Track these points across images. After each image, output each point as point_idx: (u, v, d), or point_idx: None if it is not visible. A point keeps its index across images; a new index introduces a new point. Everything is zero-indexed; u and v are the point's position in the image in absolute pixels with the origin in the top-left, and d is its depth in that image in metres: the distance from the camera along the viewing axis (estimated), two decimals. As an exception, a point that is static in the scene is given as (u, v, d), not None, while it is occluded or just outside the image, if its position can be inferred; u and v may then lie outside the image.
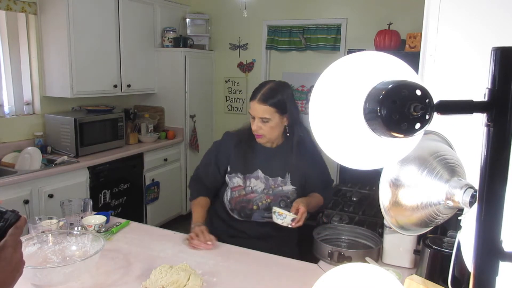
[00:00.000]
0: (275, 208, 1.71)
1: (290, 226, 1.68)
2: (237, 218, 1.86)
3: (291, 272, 1.55)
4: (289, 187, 1.83)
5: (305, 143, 1.83)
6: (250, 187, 1.82)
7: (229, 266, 1.57)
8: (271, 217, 1.72)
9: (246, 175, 1.84)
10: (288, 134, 1.82)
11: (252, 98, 1.77)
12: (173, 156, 4.34)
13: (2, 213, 0.82)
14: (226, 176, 1.87)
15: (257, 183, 1.83)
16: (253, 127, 1.77)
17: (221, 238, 1.78)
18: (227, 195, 1.86)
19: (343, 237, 1.85)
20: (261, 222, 1.84)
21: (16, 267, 0.81)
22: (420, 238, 1.46)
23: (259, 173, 1.83)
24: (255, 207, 1.83)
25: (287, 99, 1.78)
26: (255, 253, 1.72)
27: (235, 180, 1.84)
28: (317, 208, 1.90)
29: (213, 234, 1.74)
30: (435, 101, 0.48)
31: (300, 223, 1.68)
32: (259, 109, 1.74)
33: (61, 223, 1.75)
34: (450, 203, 0.63)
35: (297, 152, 1.83)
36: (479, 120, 0.50)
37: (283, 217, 1.68)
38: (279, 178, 1.83)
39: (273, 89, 1.77)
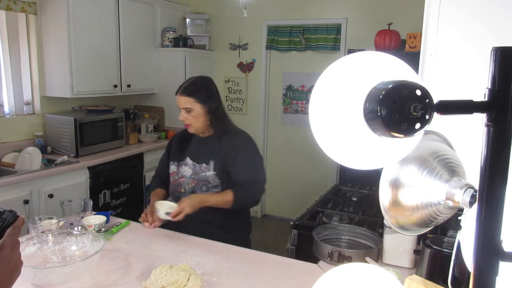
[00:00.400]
0: (160, 202, 1.93)
1: (167, 218, 1.86)
2: (172, 201, 2.03)
3: (291, 272, 1.55)
4: (211, 173, 1.98)
5: (232, 136, 2.02)
6: (181, 173, 2.05)
7: (229, 266, 1.58)
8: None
9: (180, 163, 2.07)
10: (208, 122, 2.01)
11: (176, 92, 1.99)
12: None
13: (0, 213, 0.82)
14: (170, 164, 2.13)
15: (186, 169, 2.04)
16: (180, 118, 1.99)
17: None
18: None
19: (343, 237, 1.85)
20: None
21: (14, 267, 0.81)
22: (420, 238, 1.46)
23: (188, 160, 2.05)
24: (183, 190, 2.03)
25: (206, 91, 2.00)
26: (255, 253, 1.72)
27: (172, 168, 2.10)
28: (226, 205, 1.93)
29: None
30: (435, 101, 0.48)
31: (179, 218, 1.83)
32: (181, 100, 1.97)
33: (61, 223, 1.75)
34: (450, 203, 0.63)
35: (223, 142, 2.00)
36: (479, 120, 0.50)
37: (159, 210, 1.87)
38: (204, 165, 2.00)
39: (193, 82, 2.01)
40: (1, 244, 0.80)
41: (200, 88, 1.99)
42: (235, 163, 1.97)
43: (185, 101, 1.95)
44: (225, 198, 1.92)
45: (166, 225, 1.98)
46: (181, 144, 2.12)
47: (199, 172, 2.00)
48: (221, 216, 1.98)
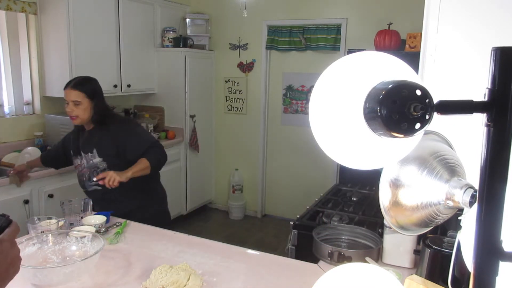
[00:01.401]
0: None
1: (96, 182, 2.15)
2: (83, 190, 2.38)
3: (291, 272, 1.55)
4: (97, 159, 2.26)
5: (112, 125, 2.28)
6: (83, 165, 2.29)
7: (229, 266, 1.58)
8: (93, 185, 2.26)
9: (78, 156, 2.32)
10: (92, 115, 2.24)
11: (66, 87, 2.22)
12: (173, 156, 4.34)
13: None
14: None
15: (83, 160, 2.30)
16: (67, 110, 2.20)
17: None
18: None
19: (343, 237, 1.85)
20: (92, 190, 2.30)
21: (12, 262, 0.81)
22: (420, 238, 1.46)
23: (81, 152, 2.30)
24: (84, 178, 2.30)
25: (94, 88, 2.26)
26: (255, 253, 1.72)
27: (76, 161, 2.34)
28: (146, 169, 2.21)
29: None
30: (435, 101, 0.48)
31: (105, 182, 2.05)
32: (72, 94, 2.18)
33: (60, 223, 1.75)
34: (450, 203, 0.62)
35: (103, 131, 2.26)
36: (479, 120, 0.50)
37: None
38: (89, 154, 2.27)
39: (82, 79, 2.28)
40: (0, 238, 0.80)
41: (89, 85, 2.25)
42: (126, 144, 2.25)
43: (75, 95, 2.17)
44: (142, 165, 2.18)
45: (171, 226, 2.01)
46: (75, 139, 2.37)
47: (89, 161, 2.28)
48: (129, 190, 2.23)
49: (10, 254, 0.80)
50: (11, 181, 2.60)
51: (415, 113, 0.46)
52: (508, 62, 0.48)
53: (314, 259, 1.66)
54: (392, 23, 3.61)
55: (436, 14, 1.34)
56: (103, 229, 1.84)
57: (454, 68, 1.35)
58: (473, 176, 0.59)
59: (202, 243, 1.79)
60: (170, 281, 1.36)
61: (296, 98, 4.58)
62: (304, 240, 2.04)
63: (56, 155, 2.54)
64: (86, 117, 2.22)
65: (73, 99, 2.17)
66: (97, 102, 2.25)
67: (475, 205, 0.52)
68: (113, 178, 2.04)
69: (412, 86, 0.47)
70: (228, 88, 4.82)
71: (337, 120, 0.52)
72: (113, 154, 2.25)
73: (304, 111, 4.55)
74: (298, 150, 4.52)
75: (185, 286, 1.37)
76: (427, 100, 0.47)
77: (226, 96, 4.84)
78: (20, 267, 0.84)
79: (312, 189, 4.12)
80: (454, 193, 0.62)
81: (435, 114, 0.48)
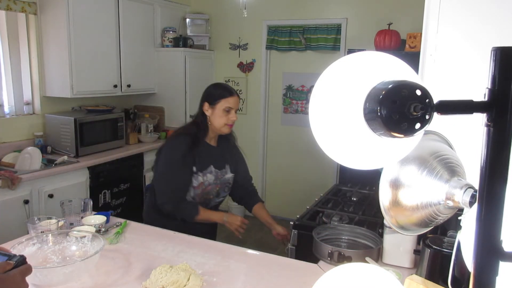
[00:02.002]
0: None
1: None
2: None
3: (291, 272, 1.55)
4: (229, 175, 2.21)
5: (230, 139, 2.27)
6: (208, 181, 2.12)
7: (229, 266, 1.57)
8: (220, 202, 2.22)
9: (203, 172, 2.11)
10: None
11: (230, 94, 2.09)
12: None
13: (10, 257, 0.97)
14: (193, 176, 2.08)
15: (210, 176, 2.12)
16: (233, 118, 2.09)
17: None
18: (190, 194, 2.08)
19: (343, 237, 1.85)
20: (214, 207, 2.21)
21: None
22: (420, 238, 1.46)
23: (212, 168, 2.13)
24: (211, 196, 2.16)
25: None
26: (255, 253, 1.72)
27: (199, 179, 2.09)
28: None
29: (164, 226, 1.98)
30: (435, 101, 0.48)
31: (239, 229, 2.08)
32: (237, 102, 2.12)
33: (60, 223, 1.75)
34: (450, 203, 0.62)
35: (228, 146, 2.24)
36: (479, 120, 0.50)
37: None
38: (223, 169, 2.18)
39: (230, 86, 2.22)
40: (13, 272, 0.93)
41: None
42: (238, 164, 2.26)
43: (238, 102, 2.12)
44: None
45: (167, 225, 1.99)
46: (199, 154, 2.09)
47: (220, 177, 2.16)
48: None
49: (20, 286, 0.94)
50: (3, 185, 2.58)
51: (415, 113, 0.46)
52: (508, 62, 0.48)
53: (314, 259, 1.66)
54: (392, 23, 3.61)
55: (436, 14, 1.34)
56: (103, 229, 1.84)
57: (454, 68, 1.35)
58: (473, 176, 0.59)
59: (202, 243, 1.79)
60: (170, 281, 1.36)
61: (296, 98, 4.58)
62: (304, 240, 2.04)
63: (187, 187, 2.08)
64: None
65: (237, 107, 2.12)
66: None
67: (475, 205, 0.52)
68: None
69: (412, 86, 0.47)
70: (228, 88, 4.82)
71: (337, 120, 0.52)
72: (235, 169, 2.24)
73: (304, 111, 4.55)
74: (298, 150, 4.52)
75: (185, 286, 1.37)
76: (427, 100, 0.47)
77: (226, 96, 4.83)
78: None
79: (312, 189, 4.11)
80: (454, 193, 0.62)
81: (435, 114, 0.48)
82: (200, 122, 2.11)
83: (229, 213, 2.13)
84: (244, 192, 2.34)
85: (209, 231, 2.19)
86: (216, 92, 2.11)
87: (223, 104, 2.06)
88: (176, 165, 2.03)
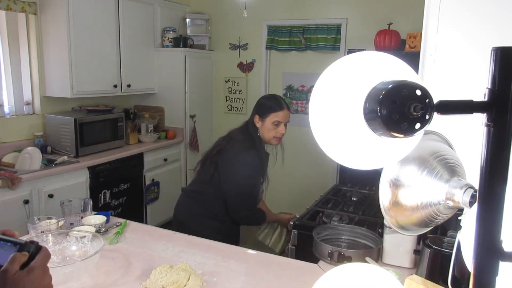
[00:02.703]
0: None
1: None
2: None
3: (291, 272, 1.55)
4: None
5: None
6: (262, 188, 2.26)
7: (229, 266, 1.57)
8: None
9: (263, 180, 2.26)
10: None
11: (280, 108, 2.12)
12: (173, 156, 4.34)
13: (22, 246, 0.80)
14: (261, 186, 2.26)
15: (263, 183, 2.27)
16: (282, 131, 2.14)
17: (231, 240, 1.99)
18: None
19: (343, 237, 1.85)
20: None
21: None
22: (420, 238, 1.46)
23: (266, 175, 2.28)
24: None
25: None
26: (255, 253, 1.72)
27: (262, 187, 2.26)
28: None
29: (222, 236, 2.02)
30: (435, 101, 0.48)
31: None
32: (287, 115, 2.15)
33: (60, 223, 1.75)
34: (450, 203, 0.62)
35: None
36: (479, 120, 0.50)
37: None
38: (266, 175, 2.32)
39: (281, 98, 2.22)
40: (32, 265, 0.77)
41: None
42: None
43: (288, 116, 2.15)
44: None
45: (171, 226, 2.03)
46: (263, 164, 2.23)
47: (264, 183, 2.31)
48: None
49: (42, 282, 0.77)
50: (3, 185, 2.57)
51: (415, 113, 0.46)
52: (508, 62, 0.48)
53: (314, 259, 1.66)
54: (392, 23, 3.61)
55: (436, 14, 1.34)
56: (103, 229, 1.84)
57: (454, 68, 1.35)
58: (473, 176, 0.59)
59: (202, 243, 1.79)
60: (170, 281, 1.36)
61: (296, 98, 4.58)
62: (304, 240, 2.04)
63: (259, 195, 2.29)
64: None
65: (287, 121, 2.16)
66: None
67: (475, 205, 0.52)
68: None
69: (412, 86, 0.47)
70: (228, 88, 4.82)
71: (337, 120, 0.52)
72: None
73: (304, 111, 4.55)
74: (298, 150, 4.52)
75: (185, 286, 1.37)
76: (427, 100, 0.47)
77: (226, 96, 4.83)
78: None
79: (312, 189, 4.11)
80: (454, 193, 0.62)
81: (435, 114, 0.48)
82: (253, 134, 2.17)
83: (281, 213, 2.44)
84: None
85: (236, 234, 2.33)
86: (267, 105, 2.15)
87: (272, 118, 2.11)
88: (254, 179, 2.17)
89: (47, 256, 0.80)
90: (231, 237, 2.16)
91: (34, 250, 0.79)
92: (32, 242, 0.81)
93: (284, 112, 2.13)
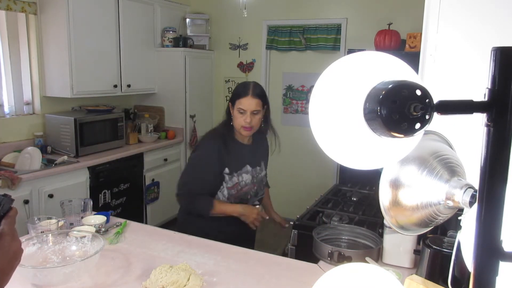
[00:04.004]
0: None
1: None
2: None
3: (291, 272, 1.55)
4: (263, 172, 2.19)
5: (264, 135, 2.21)
6: (244, 181, 2.06)
7: (229, 266, 1.57)
8: (259, 203, 2.14)
9: (238, 172, 2.05)
10: (262, 125, 2.10)
11: (244, 94, 1.97)
12: (173, 156, 4.34)
13: None
14: (226, 177, 2.02)
15: (247, 176, 2.07)
16: (247, 120, 1.95)
17: (210, 236, 1.86)
18: (224, 194, 2.02)
19: (343, 237, 1.85)
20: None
21: (14, 255, 0.78)
22: (420, 238, 1.46)
23: (248, 167, 2.08)
24: (249, 196, 2.10)
25: (265, 93, 2.07)
26: (255, 253, 1.72)
27: (234, 179, 2.03)
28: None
29: (201, 233, 1.89)
30: (435, 101, 0.48)
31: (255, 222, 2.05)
32: (253, 103, 1.95)
33: (60, 223, 1.75)
34: (450, 203, 0.62)
35: (262, 143, 2.22)
36: (479, 120, 0.50)
37: None
38: (258, 167, 2.14)
39: (257, 85, 2.03)
40: (0, 232, 0.76)
41: (264, 91, 2.05)
42: (267, 158, 2.27)
43: (256, 104, 1.96)
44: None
45: (171, 226, 1.99)
46: (233, 154, 2.04)
47: (256, 175, 2.12)
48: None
49: (12, 247, 0.77)
50: (3, 185, 2.57)
51: (415, 113, 0.46)
52: (508, 62, 0.48)
53: (314, 259, 1.66)
54: (392, 23, 3.61)
55: (436, 14, 1.34)
56: (103, 229, 1.84)
57: (454, 68, 1.35)
58: (473, 176, 0.59)
59: (202, 243, 1.79)
60: (170, 281, 1.36)
61: (296, 98, 4.58)
62: (304, 240, 2.04)
63: (212, 187, 2.03)
64: (257, 128, 2.04)
65: (253, 109, 1.95)
66: (267, 108, 2.07)
67: (475, 205, 0.52)
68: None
69: (412, 86, 0.47)
70: (228, 88, 4.82)
71: (337, 120, 0.52)
72: (266, 165, 2.24)
73: (304, 111, 4.55)
74: (298, 150, 4.52)
75: (185, 286, 1.37)
76: (427, 100, 0.47)
77: (226, 96, 4.83)
78: (22, 259, 0.81)
79: (312, 189, 4.11)
80: (454, 193, 0.62)
81: (435, 114, 0.48)
82: (228, 123, 2.06)
83: (245, 205, 2.03)
84: None
85: (249, 239, 2.16)
86: (234, 91, 2.04)
87: (237, 105, 1.97)
88: (199, 169, 2.03)
89: (13, 216, 0.78)
90: (236, 236, 1.94)
91: (6, 206, 0.77)
92: (4, 195, 0.79)
93: (248, 99, 1.95)
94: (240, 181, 2.04)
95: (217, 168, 1.99)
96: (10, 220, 0.79)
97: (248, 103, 1.95)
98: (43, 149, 3.35)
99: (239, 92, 1.99)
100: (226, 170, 2.00)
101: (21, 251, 0.81)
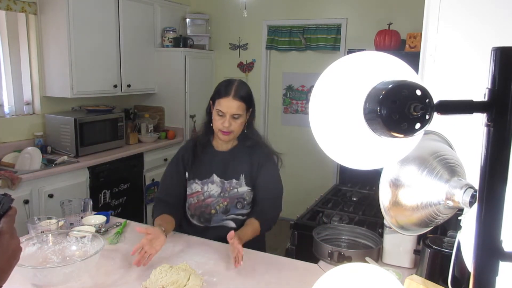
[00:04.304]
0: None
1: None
2: (197, 224, 1.88)
3: (291, 272, 1.55)
4: (244, 188, 1.83)
5: (260, 147, 1.87)
6: (208, 192, 1.84)
7: (229, 266, 1.57)
8: (234, 219, 1.82)
9: (203, 181, 1.84)
10: (246, 131, 1.84)
11: (225, 94, 1.74)
12: (173, 156, 4.34)
13: None
14: (187, 183, 1.87)
15: (214, 187, 1.84)
16: (225, 124, 1.74)
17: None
18: (187, 202, 1.88)
19: (343, 237, 1.85)
20: (220, 226, 1.84)
21: (13, 254, 0.78)
22: (420, 238, 1.46)
23: (215, 177, 1.84)
24: (213, 211, 1.84)
25: (251, 97, 1.84)
26: (255, 253, 1.72)
27: (193, 187, 1.85)
28: (256, 234, 1.75)
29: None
30: (435, 101, 0.48)
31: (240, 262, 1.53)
32: (234, 105, 1.73)
33: (60, 223, 1.75)
34: (450, 203, 0.62)
35: (249, 154, 1.85)
36: (479, 120, 0.50)
37: None
38: (234, 180, 1.84)
39: (242, 85, 1.80)
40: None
41: (249, 93, 1.81)
42: (258, 177, 1.83)
43: (238, 107, 1.73)
44: (255, 232, 1.73)
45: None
46: (200, 159, 1.84)
47: (229, 189, 1.82)
48: None
49: (10, 245, 0.77)
50: (3, 185, 2.57)
51: (415, 113, 0.46)
52: (508, 62, 0.48)
53: (314, 259, 1.66)
54: (392, 23, 3.61)
55: (436, 14, 1.34)
56: (103, 229, 1.84)
57: (454, 68, 1.35)
58: (473, 176, 0.59)
59: (202, 243, 1.79)
60: (170, 281, 1.36)
61: (296, 98, 4.58)
62: (304, 240, 2.04)
63: (179, 193, 1.86)
64: (238, 134, 1.81)
65: (234, 112, 1.73)
66: (252, 113, 1.84)
67: (475, 205, 0.52)
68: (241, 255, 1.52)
69: (412, 86, 0.47)
70: (228, 88, 4.82)
71: (337, 120, 0.52)
72: (254, 183, 1.83)
73: (304, 111, 4.55)
74: (298, 150, 4.52)
75: (185, 286, 1.37)
76: (427, 100, 0.47)
77: (226, 96, 4.83)
78: (20, 257, 0.81)
79: (312, 189, 4.11)
80: (454, 193, 0.62)
81: (435, 114, 0.48)
82: (207, 123, 1.86)
83: (157, 228, 1.60)
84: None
85: (259, 241, 1.88)
86: (217, 89, 1.81)
87: (216, 105, 1.76)
88: (168, 169, 1.93)
89: (12, 215, 0.78)
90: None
91: (6, 205, 0.77)
92: (4, 194, 0.79)
93: (228, 100, 1.71)
94: (204, 191, 1.83)
95: (180, 172, 1.86)
96: (9, 219, 0.79)
97: (228, 105, 1.72)
98: (43, 149, 3.35)
99: (220, 90, 1.77)
100: (187, 175, 1.86)
101: (20, 249, 0.81)
